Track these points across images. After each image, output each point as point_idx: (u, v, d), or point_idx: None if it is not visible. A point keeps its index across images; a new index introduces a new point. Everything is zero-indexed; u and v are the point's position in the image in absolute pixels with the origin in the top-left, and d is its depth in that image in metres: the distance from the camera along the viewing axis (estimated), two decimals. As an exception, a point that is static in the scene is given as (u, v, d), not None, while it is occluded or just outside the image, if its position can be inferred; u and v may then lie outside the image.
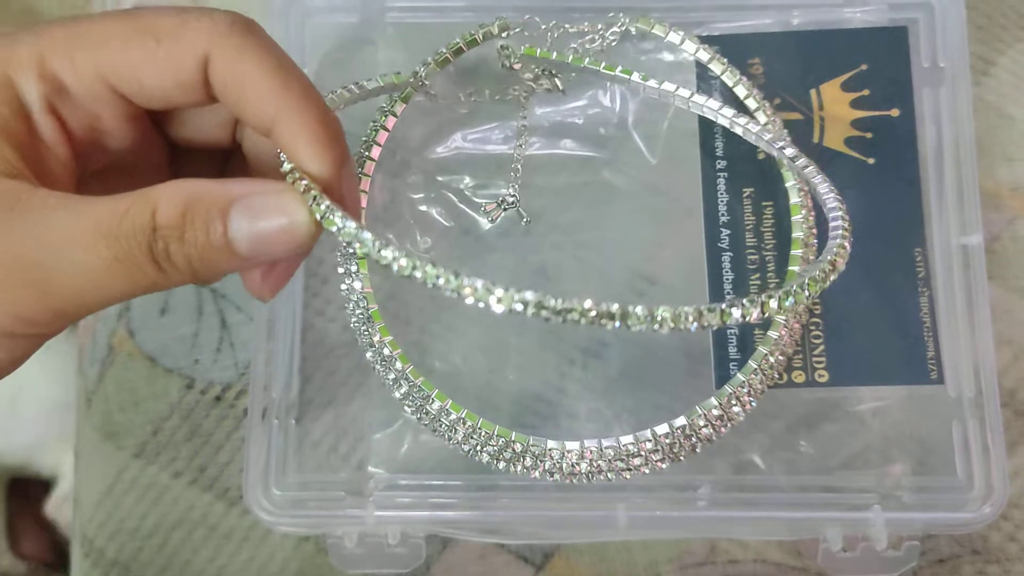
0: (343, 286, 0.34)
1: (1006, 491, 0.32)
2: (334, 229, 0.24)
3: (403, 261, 0.23)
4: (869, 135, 0.35)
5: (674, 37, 0.35)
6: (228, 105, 0.25)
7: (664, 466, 0.31)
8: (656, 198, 0.36)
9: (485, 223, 0.36)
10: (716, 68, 0.35)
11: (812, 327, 0.34)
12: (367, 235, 0.24)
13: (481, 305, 0.23)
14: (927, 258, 0.34)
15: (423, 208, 0.36)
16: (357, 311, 0.33)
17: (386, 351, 0.32)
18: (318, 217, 0.24)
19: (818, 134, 0.35)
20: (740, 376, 0.32)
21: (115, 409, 0.38)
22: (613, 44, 0.36)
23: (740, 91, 0.35)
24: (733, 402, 0.31)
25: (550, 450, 0.31)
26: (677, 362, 0.35)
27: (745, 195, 0.35)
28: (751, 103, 0.35)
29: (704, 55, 0.35)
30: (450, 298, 0.23)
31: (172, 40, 0.24)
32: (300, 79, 0.25)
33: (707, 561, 0.35)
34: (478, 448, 0.32)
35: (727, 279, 0.34)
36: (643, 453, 0.31)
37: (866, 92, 0.35)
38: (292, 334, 0.35)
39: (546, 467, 0.31)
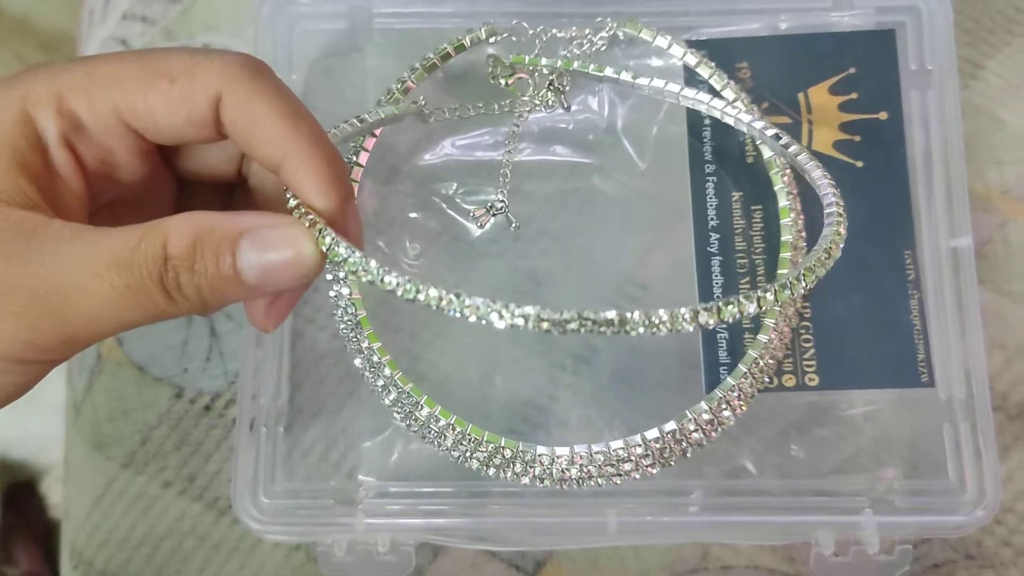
0: (331, 292, 0.33)
1: (999, 495, 0.32)
2: (339, 260, 0.25)
3: (407, 287, 0.24)
4: (858, 138, 0.35)
5: (661, 41, 0.35)
6: (238, 142, 0.26)
7: (655, 471, 0.31)
8: (646, 203, 0.36)
9: (475, 229, 0.36)
10: (704, 72, 0.35)
11: (802, 331, 0.34)
12: (373, 263, 0.24)
13: (484, 323, 0.23)
14: (917, 261, 0.34)
15: (413, 214, 0.36)
16: (345, 317, 0.33)
17: (375, 357, 0.32)
18: (324, 248, 0.25)
19: (806, 138, 0.35)
20: (730, 380, 0.32)
21: (104, 419, 0.37)
22: (601, 49, 0.36)
23: (728, 95, 0.35)
24: (723, 406, 0.31)
25: (539, 456, 0.31)
26: (668, 367, 0.35)
27: (734, 199, 0.35)
28: (739, 106, 0.35)
29: (692, 59, 0.35)
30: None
31: (185, 81, 0.25)
32: (309, 121, 0.25)
33: (699, 567, 0.35)
34: (467, 454, 0.32)
35: (716, 283, 0.34)
36: (633, 458, 0.31)
37: (854, 95, 0.35)
38: (281, 342, 0.35)
39: (536, 473, 0.31)
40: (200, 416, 0.37)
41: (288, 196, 0.26)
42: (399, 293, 0.24)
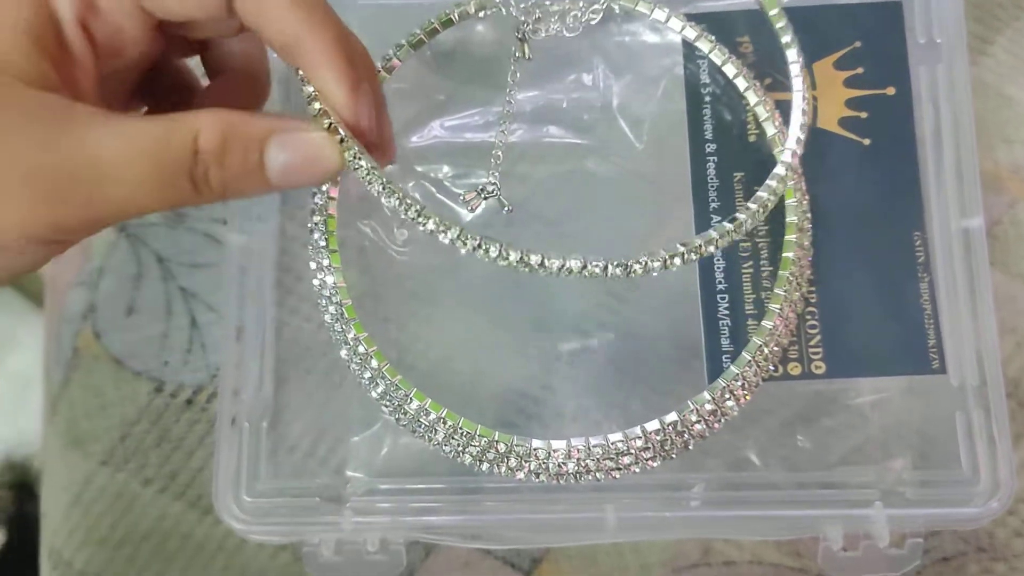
0: (315, 281, 0.32)
1: (1013, 484, 0.31)
2: (360, 172, 0.27)
3: (431, 220, 0.27)
4: (864, 115, 0.34)
5: (659, 15, 0.34)
6: (249, 24, 0.27)
7: (655, 465, 0.30)
8: (643, 185, 0.35)
9: (466, 214, 0.35)
10: (703, 47, 0.34)
11: (808, 316, 0.33)
12: (385, 177, 0.27)
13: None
14: (926, 242, 0.33)
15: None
16: (330, 307, 0.32)
17: (361, 348, 0.31)
18: (349, 158, 0.27)
19: (810, 115, 0.34)
20: (734, 368, 0.30)
21: (81, 415, 0.36)
22: (594, 22, 0.35)
23: (729, 70, 0.34)
24: (727, 396, 0.30)
25: (535, 450, 0.30)
26: (668, 355, 0.34)
27: (736, 179, 0.34)
28: (740, 82, 0.34)
29: (691, 33, 0.34)
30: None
31: None
32: (320, 4, 0.26)
33: (701, 563, 0.34)
34: (460, 449, 0.30)
35: (718, 268, 0.33)
36: (633, 451, 0.29)
37: (860, 70, 0.34)
38: (263, 334, 0.34)
39: (531, 468, 0.30)
40: (181, 411, 0.36)
41: (309, 98, 0.27)
42: (423, 225, 0.27)
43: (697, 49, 0.34)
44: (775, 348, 0.31)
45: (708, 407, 0.30)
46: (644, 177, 0.35)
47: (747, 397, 0.30)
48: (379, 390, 0.31)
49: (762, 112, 0.33)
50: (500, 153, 0.34)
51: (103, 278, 0.37)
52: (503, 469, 0.30)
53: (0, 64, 0.24)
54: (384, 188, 0.27)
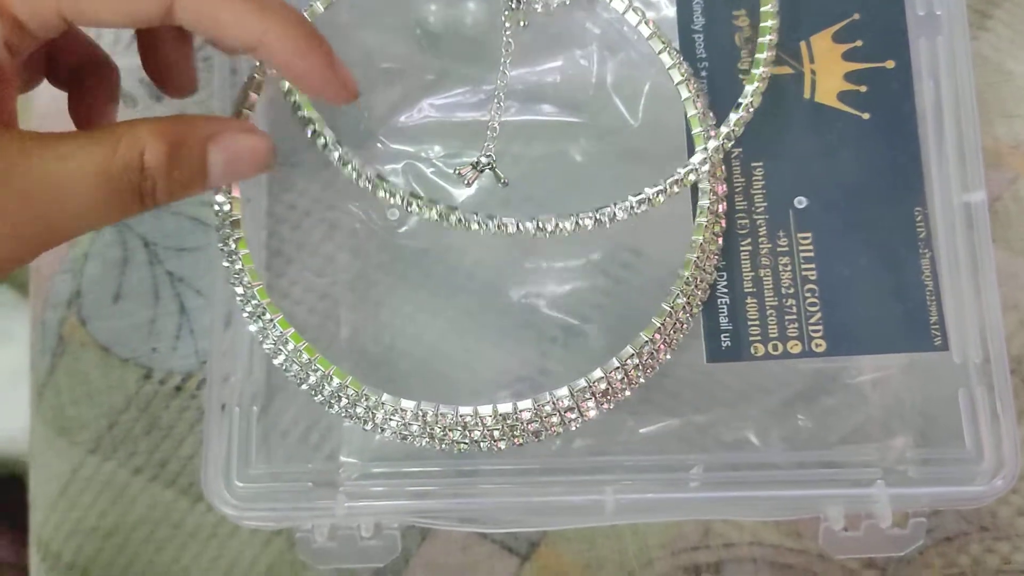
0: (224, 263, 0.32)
1: (1017, 462, 0.31)
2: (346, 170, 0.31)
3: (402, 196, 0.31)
4: (863, 89, 0.33)
5: None
6: (198, 32, 0.27)
7: (501, 447, 0.30)
8: (639, 164, 0.34)
9: (458, 195, 0.34)
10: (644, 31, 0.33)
11: (807, 294, 0.32)
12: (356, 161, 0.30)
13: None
14: (928, 217, 0.33)
15: (392, 180, 0.34)
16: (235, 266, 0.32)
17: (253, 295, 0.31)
18: (308, 134, 0.31)
19: (809, 89, 0.33)
20: (598, 372, 0.30)
21: (68, 402, 0.36)
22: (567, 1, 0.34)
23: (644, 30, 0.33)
24: (586, 395, 0.30)
25: (383, 403, 0.30)
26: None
27: (734, 156, 0.33)
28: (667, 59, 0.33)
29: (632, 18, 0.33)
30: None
31: None
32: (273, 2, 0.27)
33: (701, 545, 0.34)
34: (327, 396, 0.31)
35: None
36: (480, 428, 0.30)
37: (859, 43, 0.34)
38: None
39: (376, 421, 0.30)
40: (171, 398, 0.35)
41: (285, 88, 0.30)
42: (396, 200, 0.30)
43: (693, 22, 0.34)
44: (648, 360, 0.31)
45: (566, 403, 0.30)
46: (640, 155, 0.34)
47: (609, 404, 0.30)
48: (258, 327, 0.31)
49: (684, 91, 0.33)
50: (497, 125, 0.33)
51: (88, 264, 0.36)
52: (354, 417, 0.31)
53: None
54: (340, 157, 0.29)
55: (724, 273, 0.32)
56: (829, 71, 0.33)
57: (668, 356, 0.31)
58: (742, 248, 0.33)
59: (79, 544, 0.35)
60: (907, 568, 0.33)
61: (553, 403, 0.30)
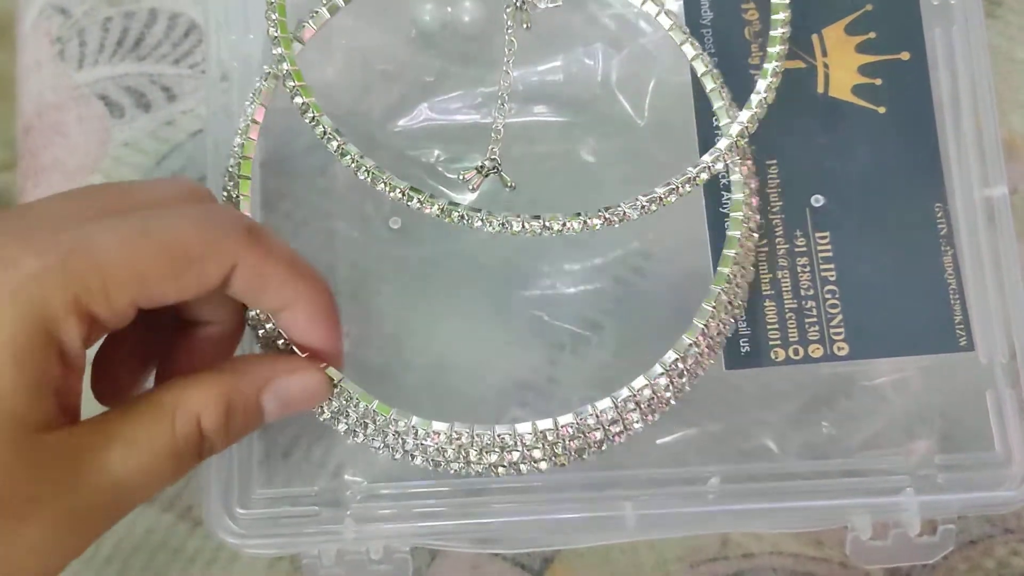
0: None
1: (1047, 465, 0.30)
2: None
3: None
4: (878, 82, 0.33)
5: None
6: (239, 297, 0.27)
7: (543, 467, 0.28)
8: (647, 165, 0.34)
9: (460, 199, 0.33)
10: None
11: (828, 296, 0.31)
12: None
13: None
14: (948, 214, 0.32)
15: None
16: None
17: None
18: (319, 133, 0.29)
19: (822, 83, 0.33)
20: (642, 379, 0.29)
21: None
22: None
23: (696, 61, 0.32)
24: (630, 405, 0.28)
25: (413, 427, 0.28)
26: (675, 341, 0.32)
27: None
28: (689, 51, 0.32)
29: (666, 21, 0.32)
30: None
31: (203, 262, 0.26)
32: (305, 269, 0.28)
33: (719, 556, 0.33)
34: (351, 424, 0.29)
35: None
36: (520, 448, 0.28)
37: (872, 35, 0.33)
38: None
39: (408, 447, 0.29)
40: (167, 419, 0.34)
41: (283, 72, 0.29)
42: None
43: (701, 17, 0.33)
44: (692, 366, 0.29)
45: (610, 415, 0.28)
46: (648, 155, 0.34)
47: (654, 415, 0.29)
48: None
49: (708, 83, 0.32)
50: (501, 126, 0.32)
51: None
52: (383, 447, 0.29)
53: (2, 414, 0.24)
54: (338, 146, 0.29)
55: (741, 276, 0.32)
56: (843, 64, 0.33)
57: (712, 360, 0.29)
58: (759, 249, 0.32)
59: (75, 571, 0.34)
60: (931, 573, 0.33)
61: (596, 416, 0.28)
